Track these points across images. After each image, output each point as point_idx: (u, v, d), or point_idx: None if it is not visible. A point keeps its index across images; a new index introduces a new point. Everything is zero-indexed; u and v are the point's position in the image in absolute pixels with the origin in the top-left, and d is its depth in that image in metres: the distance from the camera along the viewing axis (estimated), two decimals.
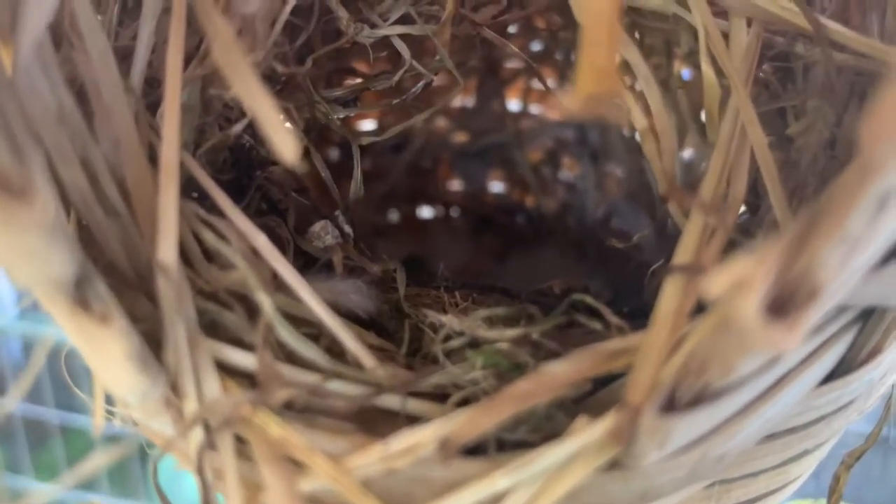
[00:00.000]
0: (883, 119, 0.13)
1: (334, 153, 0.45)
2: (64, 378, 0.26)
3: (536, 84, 0.48)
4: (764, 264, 0.14)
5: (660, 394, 0.18)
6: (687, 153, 0.39)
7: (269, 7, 0.20)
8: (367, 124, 0.46)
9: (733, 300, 0.15)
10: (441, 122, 0.50)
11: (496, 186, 0.51)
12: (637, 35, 0.34)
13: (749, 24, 0.25)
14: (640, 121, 0.23)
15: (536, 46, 0.45)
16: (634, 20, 0.29)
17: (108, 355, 0.16)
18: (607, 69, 0.16)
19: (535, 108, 0.49)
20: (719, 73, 0.24)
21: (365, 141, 0.34)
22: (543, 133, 0.49)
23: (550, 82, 0.46)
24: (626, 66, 0.25)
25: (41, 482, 0.92)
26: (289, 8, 0.21)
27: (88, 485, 0.86)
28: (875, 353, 0.23)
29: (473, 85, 0.49)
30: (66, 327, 0.16)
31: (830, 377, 0.23)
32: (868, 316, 0.22)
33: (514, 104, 0.49)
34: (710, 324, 0.17)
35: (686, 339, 0.19)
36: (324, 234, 0.28)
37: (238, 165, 0.26)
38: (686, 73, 0.37)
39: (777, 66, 0.27)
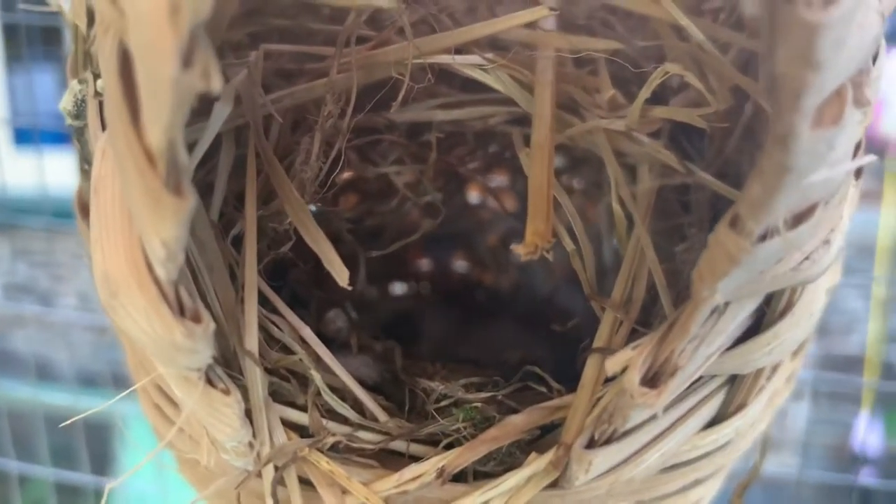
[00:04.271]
0: (705, 270, 0.22)
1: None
2: None
3: (492, 182, 0.58)
4: (641, 354, 0.24)
5: (584, 435, 0.27)
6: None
7: (317, 170, 0.29)
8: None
9: (624, 375, 0.24)
10: (414, 213, 0.59)
11: (460, 266, 0.60)
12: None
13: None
14: (569, 244, 0.32)
15: (493, 148, 0.55)
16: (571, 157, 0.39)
17: (224, 417, 0.25)
18: (545, 231, 0.25)
19: (491, 202, 0.59)
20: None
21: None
22: (499, 222, 0.59)
23: (503, 179, 0.56)
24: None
25: None
26: (337, 168, 0.30)
27: None
28: (741, 406, 0.32)
29: (441, 183, 0.58)
30: (197, 399, 0.24)
31: (710, 424, 0.32)
32: (734, 380, 0.32)
33: (474, 198, 0.59)
34: (614, 389, 0.27)
35: (602, 399, 0.28)
36: (336, 318, 0.37)
37: (276, 269, 0.34)
38: None
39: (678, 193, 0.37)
